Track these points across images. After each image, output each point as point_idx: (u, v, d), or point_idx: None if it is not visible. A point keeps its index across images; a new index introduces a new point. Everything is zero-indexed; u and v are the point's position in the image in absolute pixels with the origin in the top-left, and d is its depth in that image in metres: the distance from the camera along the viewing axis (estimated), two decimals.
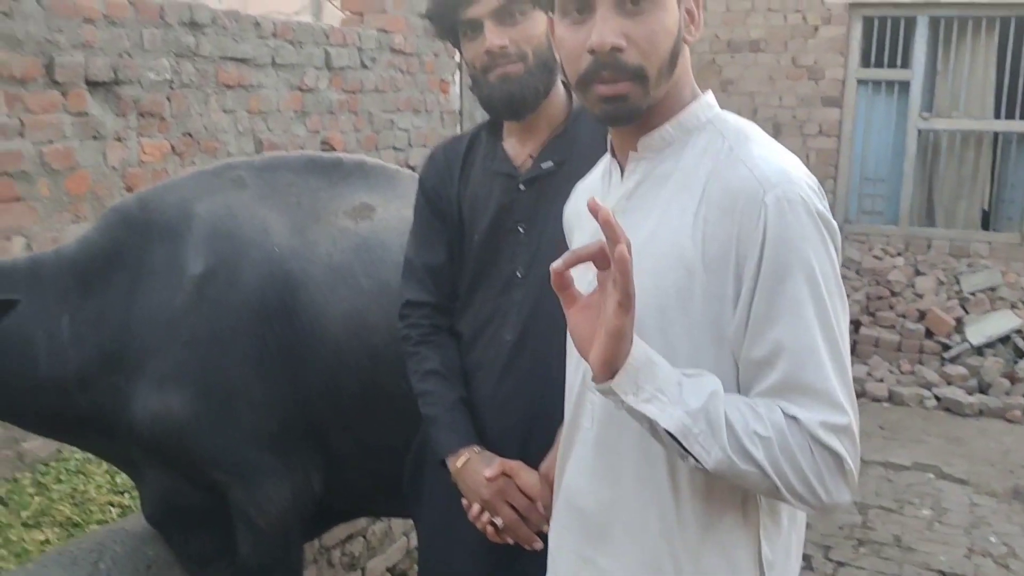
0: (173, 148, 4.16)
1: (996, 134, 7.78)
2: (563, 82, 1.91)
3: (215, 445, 2.28)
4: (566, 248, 1.78)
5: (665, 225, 1.32)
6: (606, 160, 1.50)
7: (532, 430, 1.86)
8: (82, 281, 2.31)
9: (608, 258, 1.16)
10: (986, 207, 8.02)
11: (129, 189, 3.93)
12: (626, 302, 1.15)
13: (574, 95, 1.93)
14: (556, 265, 1.20)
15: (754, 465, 1.20)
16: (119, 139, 3.90)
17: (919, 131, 7.86)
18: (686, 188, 1.32)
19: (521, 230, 1.87)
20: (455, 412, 1.90)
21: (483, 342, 1.93)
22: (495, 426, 1.90)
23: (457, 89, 6.89)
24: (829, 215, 1.28)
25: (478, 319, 1.94)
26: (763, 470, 1.20)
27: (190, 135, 4.25)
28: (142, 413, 2.26)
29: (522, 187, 1.87)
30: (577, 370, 1.47)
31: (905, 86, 7.88)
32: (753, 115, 8.12)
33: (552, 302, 1.73)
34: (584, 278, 1.28)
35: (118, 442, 2.36)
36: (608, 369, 1.20)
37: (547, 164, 1.86)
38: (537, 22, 1.81)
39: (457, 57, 6.84)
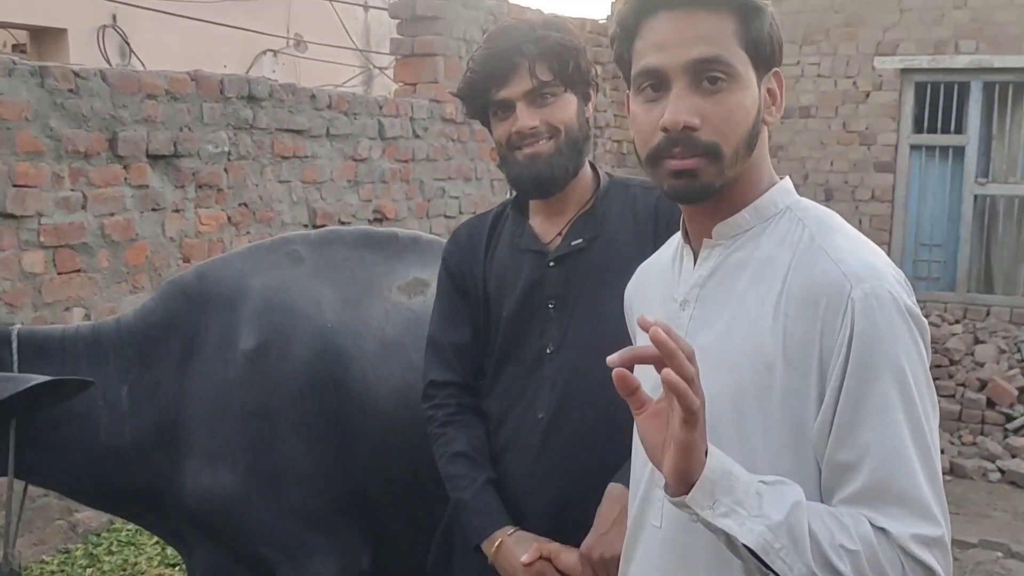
0: (229, 219, 4.24)
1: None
2: (589, 161, 1.93)
3: (263, 521, 2.27)
4: (600, 325, 1.75)
5: (742, 317, 1.27)
6: (675, 243, 1.45)
7: (569, 510, 1.81)
8: (141, 352, 2.33)
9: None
10: None
11: (186, 259, 3.99)
12: (691, 418, 1.09)
13: (601, 174, 1.95)
14: (612, 359, 1.15)
15: None
16: (177, 210, 3.98)
17: (975, 196, 7.75)
18: (764, 279, 1.27)
19: (551, 307, 1.85)
20: (485, 495, 1.86)
21: (514, 420, 1.90)
22: (530, 507, 1.85)
23: None
24: (918, 310, 1.22)
25: (507, 397, 1.91)
26: None
27: (246, 205, 4.32)
28: (191, 487, 2.26)
29: (552, 264, 1.86)
30: (645, 466, 1.40)
31: (960, 151, 7.78)
32: (804, 180, 8.08)
33: (587, 378, 1.69)
34: (653, 377, 1.22)
35: (169, 515, 2.36)
36: (682, 482, 1.13)
37: (577, 241, 1.85)
38: (568, 104, 1.82)
39: None
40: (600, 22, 8.52)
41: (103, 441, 2.27)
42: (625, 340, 1.72)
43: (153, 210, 3.93)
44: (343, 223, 4.86)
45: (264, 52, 9.94)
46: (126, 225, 3.82)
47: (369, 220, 5.15)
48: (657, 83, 1.27)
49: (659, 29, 1.27)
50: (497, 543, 1.81)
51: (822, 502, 1.20)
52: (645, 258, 1.71)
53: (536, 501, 1.84)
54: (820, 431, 1.20)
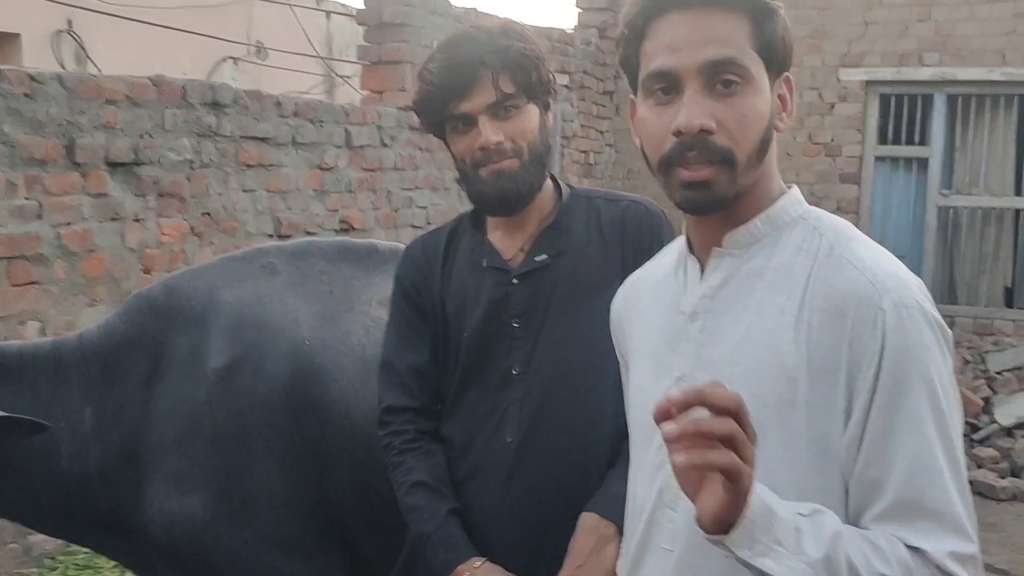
0: (192, 228, 4.12)
1: (1017, 211, 7.72)
2: (550, 174, 1.86)
3: (235, 549, 2.17)
4: (569, 344, 1.73)
5: (759, 328, 1.22)
6: (674, 253, 1.39)
7: (542, 539, 1.74)
8: (105, 370, 2.23)
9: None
10: (1009, 284, 7.92)
11: (147, 271, 3.86)
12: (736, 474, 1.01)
13: (561, 186, 1.87)
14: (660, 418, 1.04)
15: None
16: (138, 220, 3.86)
17: (939, 208, 7.82)
18: (782, 288, 1.22)
19: (516, 325, 1.78)
20: (449, 526, 1.77)
21: (480, 445, 1.81)
22: (502, 536, 1.77)
23: None
24: (941, 319, 1.19)
25: (471, 421, 1.83)
26: None
27: (209, 215, 4.20)
28: (158, 514, 2.16)
29: (515, 281, 1.79)
30: (651, 485, 1.32)
31: (924, 163, 7.86)
32: None
33: (558, 400, 1.62)
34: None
35: (136, 545, 2.25)
36: (720, 522, 1.06)
37: (541, 257, 1.79)
38: (531, 115, 1.75)
39: None
40: (567, 31, 8.48)
41: (65, 466, 2.16)
42: (595, 358, 1.68)
43: (112, 220, 3.80)
44: (309, 233, 4.75)
45: (224, 59, 9.78)
46: (84, 235, 3.68)
47: (336, 230, 5.05)
48: (669, 86, 1.22)
49: (671, 30, 1.22)
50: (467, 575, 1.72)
51: (848, 519, 1.16)
52: (613, 273, 1.68)
53: (507, 530, 1.77)
54: (849, 446, 1.16)
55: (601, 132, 8.77)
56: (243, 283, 2.33)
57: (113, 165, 3.78)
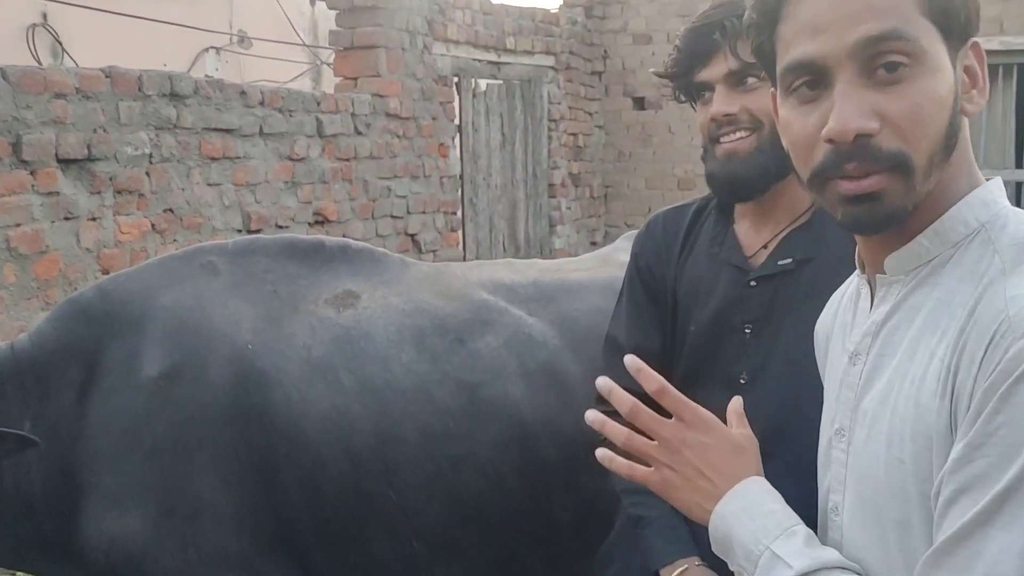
0: (153, 226, 3.98)
1: (1018, 183, 7.58)
2: None
3: (179, 570, 2.06)
4: (805, 358, 1.48)
5: (906, 377, 0.98)
6: (857, 276, 1.15)
7: None
8: (40, 381, 2.12)
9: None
10: None
11: (105, 272, 3.74)
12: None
13: None
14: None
15: None
16: (94, 219, 3.73)
17: None
18: (936, 327, 0.96)
19: (747, 331, 1.65)
20: (673, 517, 1.65)
21: None
22: (701, 541, 1.64)
23: (458, 152, 6.72)
24: None
25: None
26: None
27: (171, 211, 4.07)
28: (96, 535, 2.05)
29: (753, 284, 1.64)
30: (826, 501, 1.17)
31: None
32: None
33: (788, 417, 1.45)
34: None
35: (80, 569, 2.14)
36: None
37: (785, 261, 1.62)
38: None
39: (457, 120, 6.69)
40: (552, 11, 8.32)
41: (9, 486, 2.05)
42: None
43: (66, 219, 3.66)
44: (281, 227, 4.62)
45: (206, 49, 9.60)
46: (35, 236, 3.54)
47: (309, 223, 4.91)
48: (815, 79, 0.98)
49: (811, 5, 0.98)
50: (681, 570, 1.62)
51: None
52: None
53: (706, 540, 1.65)
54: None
55: (590, 114, 8.61)
56: (182, 285, 2.22)
57: (64, 162, 3.64)
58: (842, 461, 1.07)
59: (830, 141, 0.96)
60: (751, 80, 1.59)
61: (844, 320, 1.14)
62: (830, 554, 1.01)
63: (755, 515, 1.04)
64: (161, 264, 2.31)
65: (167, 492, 2.05)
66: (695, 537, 1.65)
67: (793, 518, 1.05)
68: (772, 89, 1.08)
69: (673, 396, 1.10)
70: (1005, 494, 0.85)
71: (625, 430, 1.10)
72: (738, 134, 1.60)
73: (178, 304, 2.17)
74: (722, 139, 1.62)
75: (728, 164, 1.61)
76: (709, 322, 1.68)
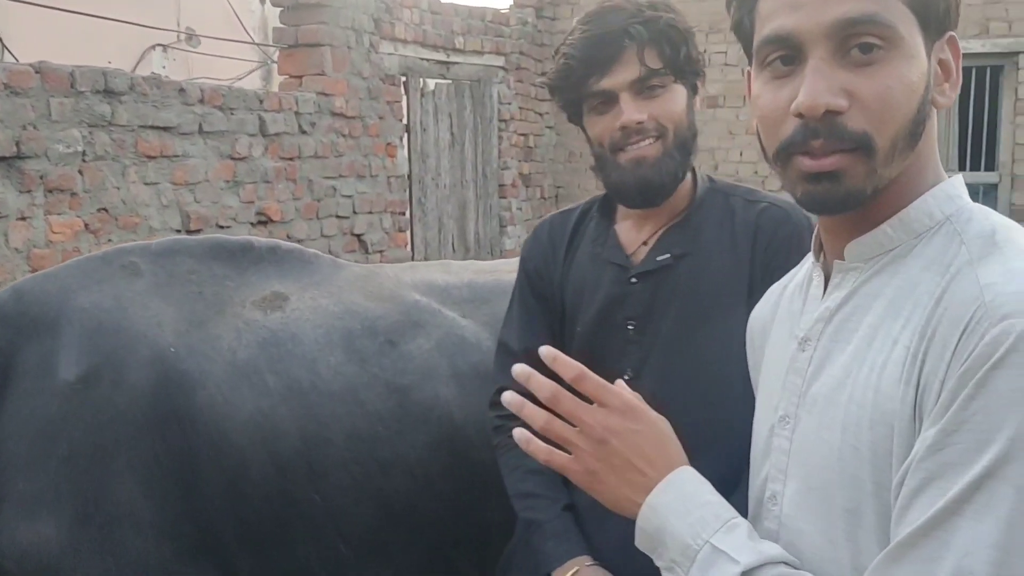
0: (87, 225, 3.89)
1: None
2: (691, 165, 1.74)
3: None
4: (683, 354, 1.59)
5: (865, 363, 0.97)
6: (809, 262, 1.15)
7: (629, 561, 1.63)
8: None
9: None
10: None
11: (35, 272, 3.63)
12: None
13: (699, 177, 1.74)
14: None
15: None
16: (23, 218, 3.64)
17: None
18: (899, 314, 0.96)
19: (630, 328, 1.66)
20: (564, 519, 1.69)
21: None
22: (595, 541, 1.68)
23: (406, 152, 6.67)
24: None
25: None
26: None
27: (106, 210, 3.98)
28: (9, 545, 1.98)
29: (634, 280, 1.67)
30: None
31: None
32: (714, 171, 7.98)
33: (668, 411, 1.45)
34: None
35: None
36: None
37: (664, 257, 1.65)
38: (677, 97, 1.63)
39: (405, 119, 6.64)
40: (502, 11, 8.30)
41: None
42: (718, 374, 1.53)
43: None
44: (222, 227, 4.55)
45: (153, 47, 9.45)
46: None
47: (252, 223, 4.84)
48: (789, 54, 0.97)
49: None
50: (573, 571, 1.62)
51: None
52: (740, 284, 1.57)
53: (600, 535, 1.67)
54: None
55: (540, 114, 8.61)
56: (101, 286, 2.16)
57: None
58: (784, 449, 1.05)
59: (799, 115, 0.95)
60: (655, 87, 1.60)
61: (792, 307, 1.13)
62: (773, 548, 0.98)
63: (691, 507, 1.01)
64: (80, 264, 2.24)
65: (83, 499, 1.99)
66: (589, 538, 1.66)
67: (730, 510, 1.02)
68: (747, 68, 1.08)
69: (594, 381, 1.06)
70: (978, 482, 0.82)
71: (545, 413, 1.05)
72: (646, 141, 1.60)
73: (97, 305, 2.11)
74: (628, 147, 1.61)
75: (638, 171, 1.61)
76: (594, 321, 1.70)
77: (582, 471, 1.05)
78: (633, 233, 1.71)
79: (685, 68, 1.63)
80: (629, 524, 1.62)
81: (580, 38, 1.61)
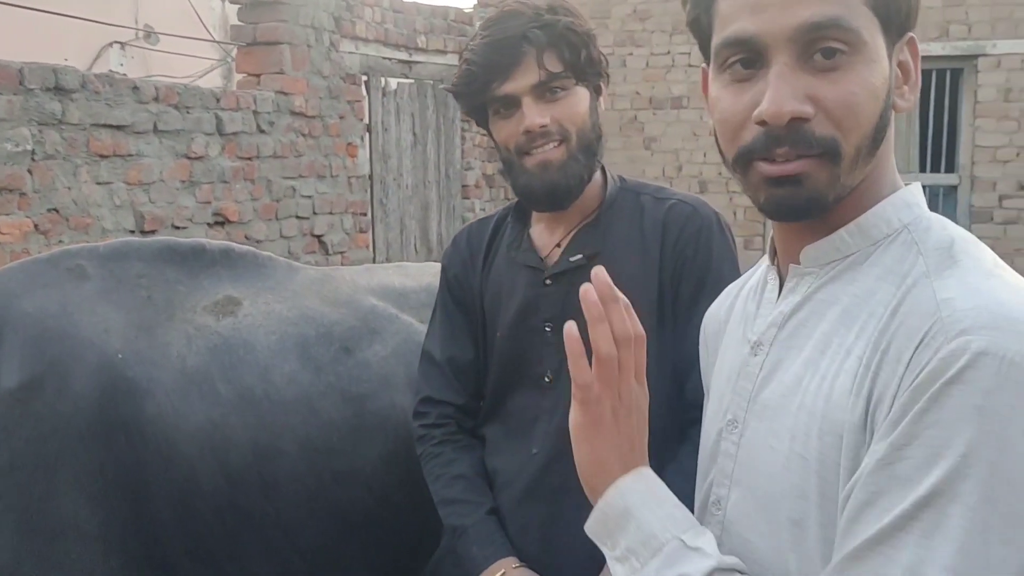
0: (36, 226, 3.80)
1: (923, 187, 7.80)
2: (601, 165, 1.74)
3: None
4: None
5: (818, 372, 0.95)
6: (765, 265, 1.12)
7: (552, 563, 1.66)
8: None
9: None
10: None
11: None
12: (578, 393, 0.99)
13: (610, 178, 1.73)
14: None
15: None
16: None
17: None
18: (853, 323, 0.94)
19: (548, 330, 1.68)
20: (488, 523, 1.72)
21: (508, 451, 1.76)
22: (516, 542, 1.71)
23: (367, 152, 6.61)
24: None
25: (506, 425, 1.78)
26: None
27: (56, 211, 3.88)
28: None
29: (548, 282, 1.69)
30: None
31: None
32: (678, 172, 8.01)
33: None
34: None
35: None
36: (591, 494, 1.01)
37: (576, 257, 1.67)
38: (580, 99, 1.63)
39: (366, 119, 6.57)
40: (465, 11, 8.25)
41: None
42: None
43: None
44: (178, 228, 4.46)
45: (111, 44, 9.29)
46: None
47: (209, 224, 4.76)
48: (750, 57, 0.94)
49: None
50: (500, 574, 1.65)
51: None
52: (650, 282, 1.61)
53: (523, 538, 1.71)
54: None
55: None
56: (46, 290, 2.09)
57: None
58: (731, 454, 1.04)
59: (762, 123, 0.92)
60: (557, 90, 1.60)
61: (746, 310, 1.11)
62: (731, 558, 0.96)
63: (662, 502, 0.98)
64: (24, 267, 2.17)
65: (27, 512, 1.92)
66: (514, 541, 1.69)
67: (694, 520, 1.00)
68: (704, 66, 1.04)
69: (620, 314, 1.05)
70: (927, 499, 0.80)
71: (603, 312, 1.04)
72: (550, 145, 1.61)
73: (41, 310, 2.04)
74: (534, 151, 1.62)
75: (545, 175, 1.61)
76: (512, 325, 1.72)
77: (594, 411, 1.02)
78: (547, 236, 1.73)
79: (586, 70, 1.64)
80: (551, 526, 1.64)
81: (481, 44, 1.62)
